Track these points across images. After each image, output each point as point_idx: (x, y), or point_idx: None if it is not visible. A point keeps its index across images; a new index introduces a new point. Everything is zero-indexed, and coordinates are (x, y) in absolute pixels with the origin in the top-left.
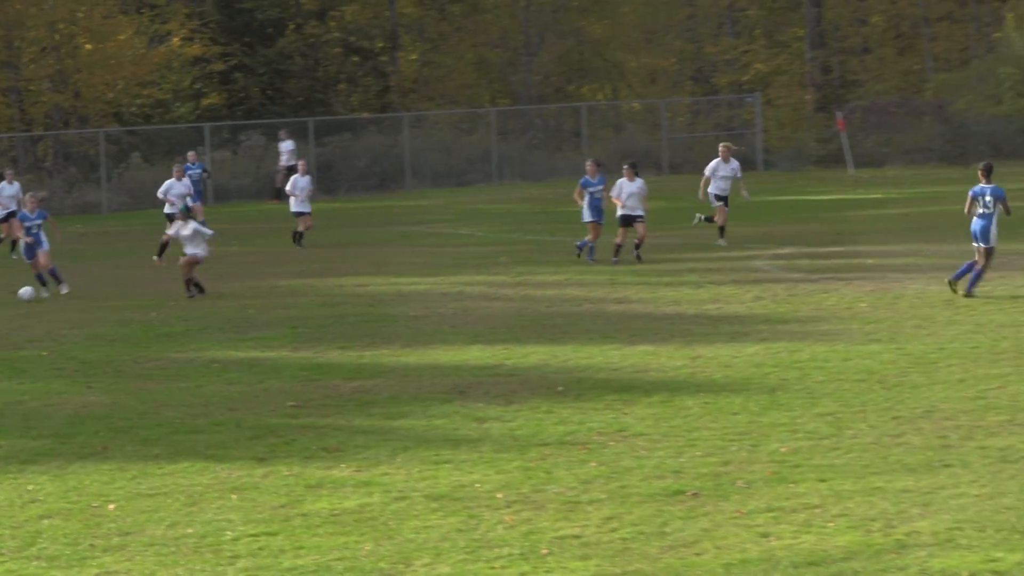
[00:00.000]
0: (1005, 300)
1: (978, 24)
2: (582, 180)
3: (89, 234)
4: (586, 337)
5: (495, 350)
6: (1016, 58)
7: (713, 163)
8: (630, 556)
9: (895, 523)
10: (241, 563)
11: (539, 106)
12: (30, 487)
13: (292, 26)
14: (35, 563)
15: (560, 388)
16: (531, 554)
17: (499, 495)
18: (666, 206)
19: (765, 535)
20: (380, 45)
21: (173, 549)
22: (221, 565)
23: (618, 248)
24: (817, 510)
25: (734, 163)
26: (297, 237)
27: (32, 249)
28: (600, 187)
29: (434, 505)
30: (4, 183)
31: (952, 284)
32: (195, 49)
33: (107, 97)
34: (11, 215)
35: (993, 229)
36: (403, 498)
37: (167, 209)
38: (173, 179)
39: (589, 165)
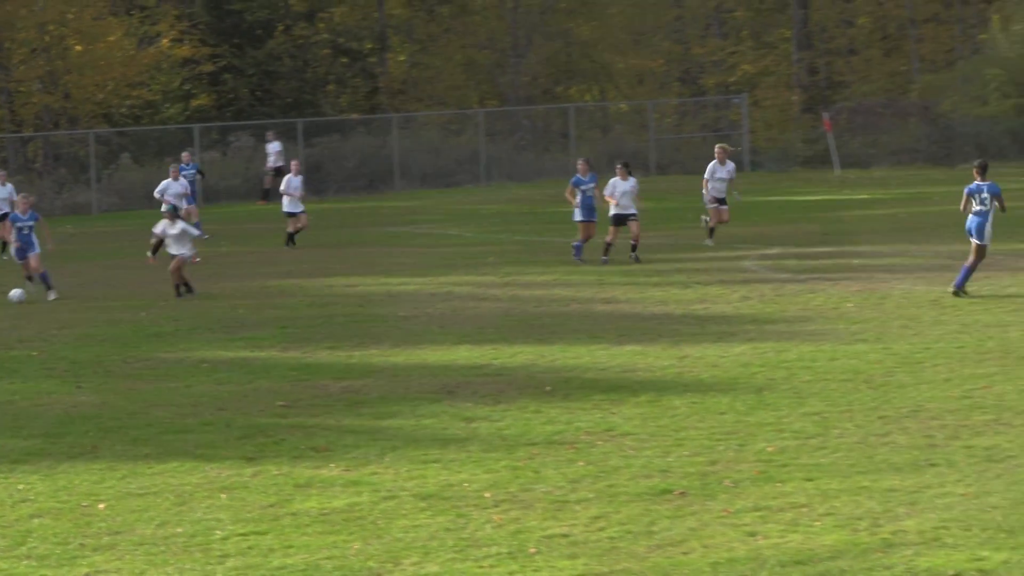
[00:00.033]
0: (991, 300)
1: (964, 26)
2: (574, 179)
3: (79, 235)
4: (574, 337)
5: (483, 350)
6: (1002, 59)
7: (711, 165)
8: (618, 555)
9: (881, 522)
10: (230, 562)
11: (527, 107)
12: (20, 486)
13: (281, 27)
14: (25, 562)
15: (548, 388)
16: (519, 553)
17: (487, 494)
18: (653, 206)
19: (752, 534)
20: (369, 46)
21: (163, 548)
22: (211, 564)
23: (608, 247)
24: (804, 509)
25: (730, 165)
26: (291, 236)
27: (23, 251)
28: (592, 185)
29: (422, 504)
30: None
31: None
32: (184, 50)
33: (97, 98)
34: (3, 217)
35: (989, 226)
36: (392, 497)
37: (164, 209)
38: (170, 179)
39: (581, 164)
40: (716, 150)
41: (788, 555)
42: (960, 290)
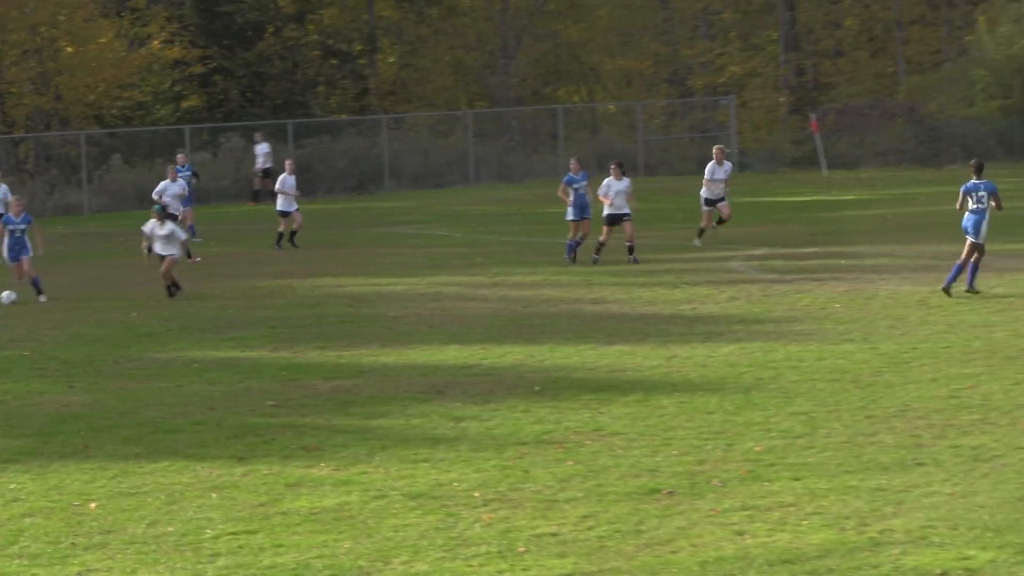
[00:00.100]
0: (977, 300)
1: (950, 27)
2: (566, 177)
3: (70, 235)
4: (562, 337)
5: (472, 350)
6: (988, 61)
7: (710, 165)
8: (606, 554)
9: (869, 521)
10: (221, 561)
11: (516, 108)
12: (12, 486)
13: (271, 29)
14: (17, 561)
15: (537, 388)
16: (508, 552)
17: (476, 494)
18: (642, 207)
19: (740, 533)
20: (359, 48)
21: (154, 547)
22: (201, 563)
23: (600, 246)
24: (791, 508)
25: (727, 165)
26: (291, 236)
27: (16, 252)
28: (584, 183)
29: (412, 504)
30: None
31: (972, 290)
32: (175, 52)
33: (88, 99)
34: None
35: (985, 224)
36: (382, 497)
37: (154, 209)
38: (168, 180)
39: (573, 163)
40: (715, 151)
41: (776, 554)
42: (971, 288)
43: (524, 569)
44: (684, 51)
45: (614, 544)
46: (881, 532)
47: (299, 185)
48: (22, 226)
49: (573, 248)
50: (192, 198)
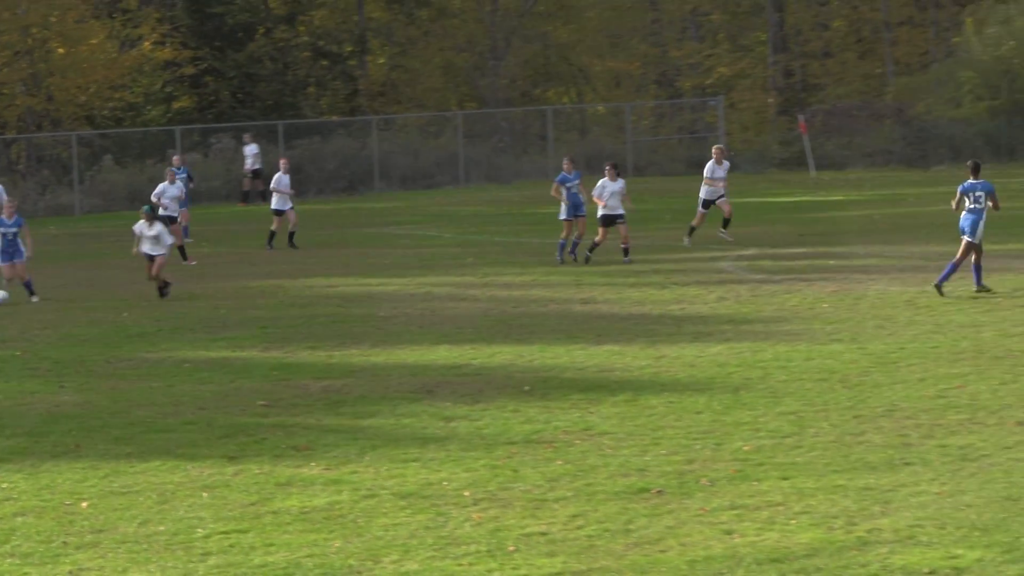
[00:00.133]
0: (965, 300)
1: (938, 29)
2: (559, 176)
3: (62, 236)
4: (552, 337)
5: (462, 350)
6: (975, 62)
7: (709, 165)
8: (596, 553)
9: (857, 520)
10: (212, 560)
11: (505, 109)
12: (4, 485)
13: (262, 30)
14: (9, 560)
15: (526, 387)
16: (498, 551)
17: (466, 493)
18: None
19: (729, 532)
20: (349, 49)
21: (145, 546)
22: (192, 562)
23: (594, 246)
24: (780, 507)
25: (727, 164)
26: (290, 237)
27: (8, 255)
28: (576, 182)
29: (402, 503)
30: None
31: (982, 288)
32: (166, 53)
33: (79, 100)
34: None
35: (982, 224)
36: (372, 496)
37: (161, 212)
38: (166, 182)
39: (566, 162)
40: (714, 150)
41: (764, 553)
42: (980, 287)
43: (514, 568)
44: (673, 52)
45: (603, 543)
46: (869, 531)
47: (291, 185)
48: (14, 229)
49: (564, 248)
50: (188, 200)
